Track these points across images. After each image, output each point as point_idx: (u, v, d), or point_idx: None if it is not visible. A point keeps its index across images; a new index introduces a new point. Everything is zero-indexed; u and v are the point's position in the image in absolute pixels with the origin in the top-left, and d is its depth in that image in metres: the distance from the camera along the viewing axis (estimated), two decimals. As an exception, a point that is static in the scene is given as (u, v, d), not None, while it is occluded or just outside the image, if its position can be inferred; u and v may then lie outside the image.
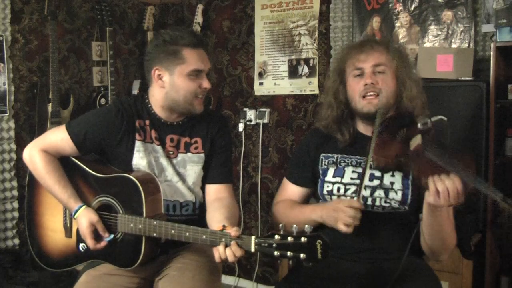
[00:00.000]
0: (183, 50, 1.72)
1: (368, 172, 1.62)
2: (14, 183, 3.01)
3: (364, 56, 1.71)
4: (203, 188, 1.86)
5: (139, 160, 1.78)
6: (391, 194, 1.66)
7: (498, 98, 2.41)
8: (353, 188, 1.70)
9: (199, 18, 3.56)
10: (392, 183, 1.68)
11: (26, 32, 3.05)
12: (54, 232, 1.86)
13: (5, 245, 2.96)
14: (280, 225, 1.43)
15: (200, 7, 3.58)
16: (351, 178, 1.72)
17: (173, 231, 1.58)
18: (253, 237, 1.44)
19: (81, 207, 1.72)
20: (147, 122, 1.81)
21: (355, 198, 1.58)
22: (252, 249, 1.44)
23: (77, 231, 1.76)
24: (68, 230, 1.82)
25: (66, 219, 1.83)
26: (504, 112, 2.55)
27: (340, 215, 1.55)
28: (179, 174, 1.81)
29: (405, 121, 1.68)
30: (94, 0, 3.38)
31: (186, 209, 1.82)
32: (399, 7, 2.96)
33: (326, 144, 1.81)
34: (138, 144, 1.79)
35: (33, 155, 1.78)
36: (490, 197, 1.45)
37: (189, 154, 1.82)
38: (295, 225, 1.41)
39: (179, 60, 1.72)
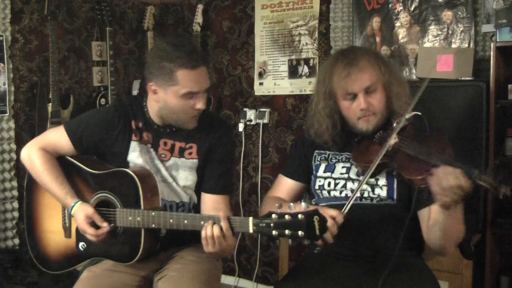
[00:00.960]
0: (178, 71, 1.65)
1: (360, 188, 1.63)
2: (14, 183, 3.01)
3: (351, 80, 1.66)
4: (197, 191, 1.86)
5: (134, 159, 1.79)
6: (377, 190, 1.69)
7: (498, 98, 2.41)
8: (342, 182, 1.73)
9: (199, 18, 3.56)
10: (376, 179, 1.70)
11: (26, 32, 3.06)
12: (53, 233, 1.86)
13: (5, 245, 2.96)
14: (277, 204, 1.43)
15: (200, 7, 3.58)
16: (341, 173, 1.75)
17: (171, 220, 1.59)
18: (250, 218, 1.44)
19: (77, 202, 1.72)
20: (141, 124, 1.82)
21: (343, 211, 1.56)
22: (251, 230, 1.44)
23: (77, 230, 1.77)
24: (67, 230, 1.83)
25: (65, 219, 1.83)
26: (504, 112, 2.55)
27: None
28: (172, 176, 1.81)
29: (378, 125, 1.71)
30: (94, 0, 3.38)
31: (182, 209, 1.83)
32: (399, 7, 2.96)
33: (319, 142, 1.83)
34: (134, 144, 1.80)
35: (32, 154, 1.80)
36: (467, 175, 1.43)
37: (182, 159, 1.81)
38: (291, 204, 1.41)
39: (173, 81, 1.67)
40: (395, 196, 1.68)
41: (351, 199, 1.59)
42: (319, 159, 1.82)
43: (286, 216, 1.38)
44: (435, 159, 1.46)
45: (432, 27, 2.86)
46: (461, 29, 2.76)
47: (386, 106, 1.71)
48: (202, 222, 1.52)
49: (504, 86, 2.50)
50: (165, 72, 1.67)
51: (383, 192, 1.68)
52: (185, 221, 1.56)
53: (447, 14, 2.80)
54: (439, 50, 2.69)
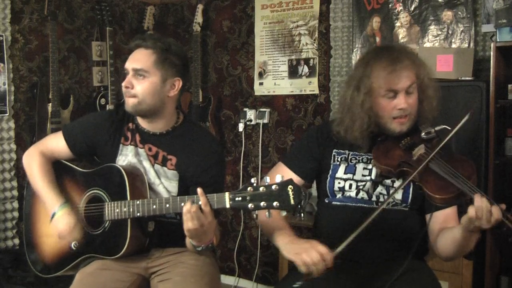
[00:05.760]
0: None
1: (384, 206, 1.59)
2: (14, 183, 3.01)
3: (397, 77, 1.60)
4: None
5: (122, 162, 1.82)
6: (391, 192, 1.67)
7: (498, 98, 2.41)
8: (362, 184, 1.69)
9: (199, 18, 3.56)
10: (393, 181, 1.68)
11: (26, 32, 3.06)
12: (48, 237, 1.88)
13: (5, 245, 2.96)
14: (253, 178, 1.44)
15: (200, 7, 3.58)
16: (363, 175, 1.71)
17: (154, 206, 1.60)
18: (227, 193, 1.46)
19: (60, 208, 1.74)
20: (134, 126, 1.85)
21: (334, 251, 1.49)
22: (227, 205, 1.46)
23: None
24: None
25: None
26: (504, 112, 2.55)
27: (309, 251, 1.48)
28: (159, 179, 1.82)
29: (409, 129, 1.68)
30: (94, 0, 3.38)
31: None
32: (399, 7, 2.96)
33: (339, 139, 1.76)
34: (123, 147, 1.83)
35: (31, 159, 1.86)
36: (506, 224, 1.44)
37: (165, 168, 1.80)
38: (267, 177, 1.41)
39: None
40: (409, 200, 1.67)
41: (350, 238, 1.50)
42: (338, 159, 1.75)
43: (261, 188, 1.40)
44: (463, 185, 1.44)
45: (432, 27, 2.86)
46: (461, 29, 2.76)
47: (417, 109, 1.68)
48: (182, 204, 1.53)
49: (504, 86, 2.50)
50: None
51: (398, 195, 1.66)
52: (167, 205, 1.58)
53: (447, 14, 2.80)
54: (439, 50, 2.69)
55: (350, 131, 1.70)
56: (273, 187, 1.39)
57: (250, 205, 1.41)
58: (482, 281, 2.48)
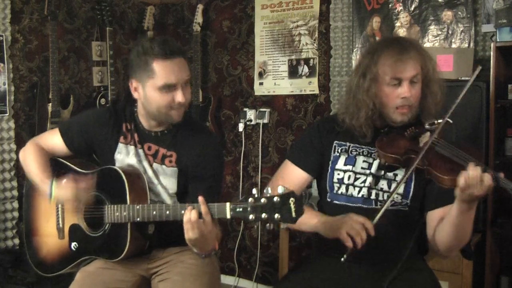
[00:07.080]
0: (153, 62, 1.65)
1: (394, 195, 1.61)
2: (14, 183, 3.01)
3: (403, 66, 1.63)
4: (181, 198, 1.83)
5: (121, 161, 1.81)
6: (393, 185, 1.67)
7: (498, 98, 2.41)
8: (362, 177, 1.70)
9: (199, 18, 3.56)
10: (395, 175, 1.69)
11: (26, 32, 3.05)
12: (48, 237, 1.87)
13: (5, 245, 2.96)
14: (254, 189, 1.43)
15: (200, 7, 3.58)
16: (362, 168, 1.71)
17: (154, 212, 1.59)
18: (228, 203, 1.45)
19: (52, 182, 1.71)
20: (132, 125, 1.83)
21: (372, 221, 1.54)
22: (228, 216, 1.45)
23: (69, 231, 1.80)
24: (60, 232, 1.84)
25: (58, 220, 1.84)
26: (504, 112, 2.55)
27: (348, 223, 1.53)
28: (157, 179, 1.81)
29: (412, 120, 1.69)
30: (94, 0, 3.38)
31: None
32: (399, 7, 2.96)
33: (340, 131, 1.77)
34: (121, 146, 1.82)
35: (27, 149, 1.86)
36: (502, 186, 1.45)
37: (163, 166, 1.80)
38: (269, 187, 1.40)
39: (149, 73, 1.66)
40: (410, 195, 1.67)
41: (383, 208, 1.55)
42: (339, 150, 1.76)
43: (262, 200, 1.38)
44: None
45: (432, 27, 2.86)
46: (461, 29, 2.76)
47: (419, 102, 1.70)
48: (182, 212, 1.52)
49: (504, 86, 2.50)
50: (142, 65, 1.68)
51: (399, 189, 1.66)
52: (167, 212, 1.57)
53: (447, 14, 2.80)
54: (439, 50, 2.69)
55: (355, 118, 1.70)
56: (275, 199, 1.37)
57: (251, 216, 1.40)
58: (482, 281, 2.48)
